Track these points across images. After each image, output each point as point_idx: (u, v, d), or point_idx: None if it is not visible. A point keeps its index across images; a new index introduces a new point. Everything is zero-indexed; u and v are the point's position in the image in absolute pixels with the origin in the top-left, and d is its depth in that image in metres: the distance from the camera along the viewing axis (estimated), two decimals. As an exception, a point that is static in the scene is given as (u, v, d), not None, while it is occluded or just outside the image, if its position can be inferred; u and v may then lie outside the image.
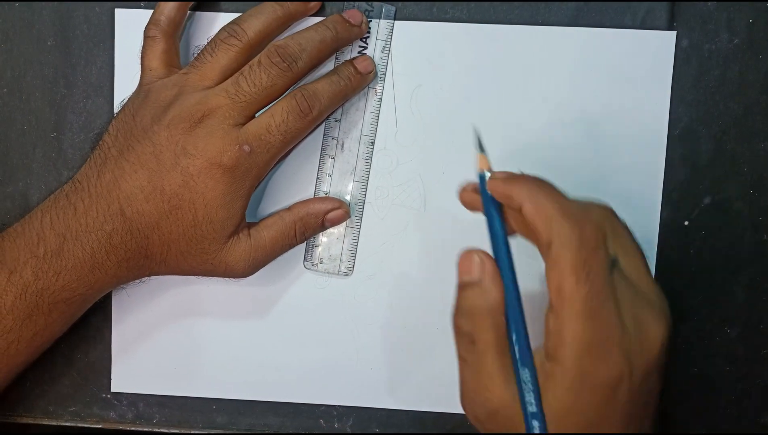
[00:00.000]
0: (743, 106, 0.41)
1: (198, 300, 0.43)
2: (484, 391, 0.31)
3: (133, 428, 0.44)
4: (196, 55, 0.39)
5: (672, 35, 0.41)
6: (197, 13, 0.42)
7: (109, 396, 0.44)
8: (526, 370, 0.30)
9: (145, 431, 0.44)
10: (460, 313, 0.32)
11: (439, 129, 0.42)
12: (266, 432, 0.44)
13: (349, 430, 0.44)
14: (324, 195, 0.42)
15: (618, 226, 0.32)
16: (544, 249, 0.30)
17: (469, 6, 0.41)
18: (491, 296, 0.31)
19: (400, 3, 0.41)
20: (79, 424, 0.44)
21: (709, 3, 0.41)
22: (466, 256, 0.32)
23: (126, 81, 0.42)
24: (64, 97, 0.43)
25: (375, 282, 0.43)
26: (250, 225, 0.40)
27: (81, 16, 0.42)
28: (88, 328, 0.43)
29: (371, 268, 0.43)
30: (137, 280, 0.40)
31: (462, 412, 0.43)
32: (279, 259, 0.42)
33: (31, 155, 0.43)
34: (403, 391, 0.43)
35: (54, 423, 0.44)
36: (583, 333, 0.29)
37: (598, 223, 0.30)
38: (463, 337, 0.32)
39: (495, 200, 0.32)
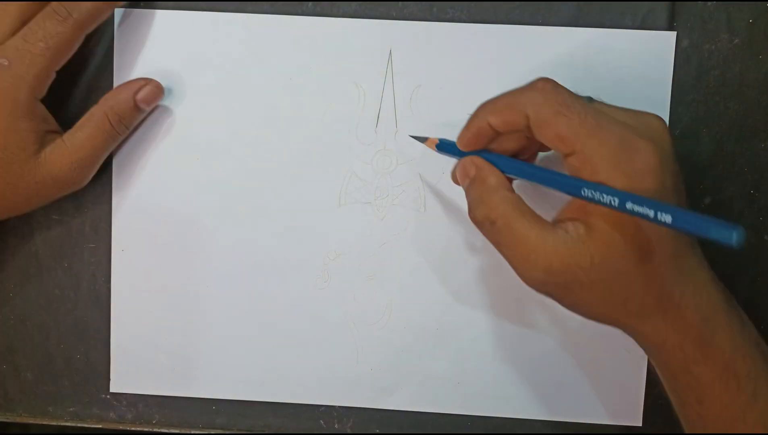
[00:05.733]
0: (743, 106, 0.41)
1: (197, 300, 0.43)
2: (528, 255, 0.32)
3: (132, 428, 0.44)
4: None
5: (672, 35, 0.41)
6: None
7: (108, 396, 0.44)
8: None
9: (145, 431, 0.44)
10: (471, 208, 0.35)
11: (439, 129, 0.42)
12: (266, 432, 0.44)
13: (349, 431, 0.44)
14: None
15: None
16: (527, 126, 0.33)
17: (469, 6, 0.41)
18: (489, 180, 0.34)
19: (400, 3, 0.41)
20: (79, 425, 0.44)
21: (709, 3, 0.41)
22: (460, 165, 0.36)
23: (125, 80, 0.42)
24: (64, 97, 0.42)
25: (375, 282, 0.43)
26: (64, 132, 0.40)
27: (81, 16, 0.42)
28: (88, 329, 0.43)
29: (371, 269, 0.43)
30: None
31: (462, 413, 0.44)
32: (279, 259, 0.42)
33: (31, 155, 0.43)
34: (403, 391, 0.43)
35: (54, 423, 0.44)
36: (606, 137, 0.31)
37: (547, 79, 0.33)
38: (483, 224, 0.34)
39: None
